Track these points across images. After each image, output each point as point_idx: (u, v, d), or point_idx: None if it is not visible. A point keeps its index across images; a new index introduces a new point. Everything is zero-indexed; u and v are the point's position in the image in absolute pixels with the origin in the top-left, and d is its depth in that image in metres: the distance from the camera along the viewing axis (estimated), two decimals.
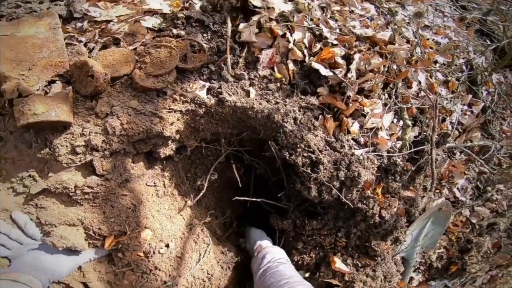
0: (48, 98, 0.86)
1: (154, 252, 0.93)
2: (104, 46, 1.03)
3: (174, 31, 1.06)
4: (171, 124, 0.98)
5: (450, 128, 1.50)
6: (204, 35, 1.08)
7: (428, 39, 1.69)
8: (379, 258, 1.18)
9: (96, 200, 0.87)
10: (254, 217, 1.42)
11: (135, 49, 1.02)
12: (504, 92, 1.88)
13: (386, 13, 1.58)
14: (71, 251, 0.81)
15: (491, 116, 1.71)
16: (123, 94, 0.95)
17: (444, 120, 1.49)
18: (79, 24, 1.05)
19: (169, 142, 1.03)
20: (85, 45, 1.02)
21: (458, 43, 1.81)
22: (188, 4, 1.15)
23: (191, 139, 1.12)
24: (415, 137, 1.28)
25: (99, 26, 1.04)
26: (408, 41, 1.53)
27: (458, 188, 1.56)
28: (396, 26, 1.54)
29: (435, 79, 1.51)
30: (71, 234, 0.82)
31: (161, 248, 0.95)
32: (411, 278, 1.45)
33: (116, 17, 1.06)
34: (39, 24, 0.99)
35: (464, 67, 1.73)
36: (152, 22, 1.07)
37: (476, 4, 2.26)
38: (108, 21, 1.05)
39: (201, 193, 1.12)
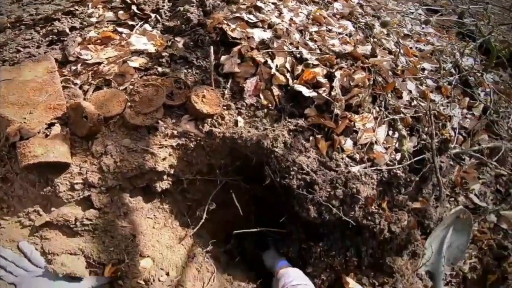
0: (47, 140, 0.99)
1: (154, 280, 0.99)
2: (97, 88, 1.15)
3: (160, 69, 1.18)
4: (164, 159, 1.07)
5: (452, 133, 1.55)
6: (189, 70, 1.20)
7: (411, 48, 1.83)
8: (397, 274, 1.15)
9: (96, 231, 1.00)
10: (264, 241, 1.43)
11: (125, 89, 1.14)
12: (503, 91, 1.96)
13: (364, 27, 1.74)
14: (72, 278, 0.91)
15: (494, 116, 1.77)
16: (116, 133, 1.07)
17: (444, 126, 1.54)
18: (73, 67, 1.19)
19: (164, 176, 1.14)
20: (80, 87, 1.16)
21: (441, 48, 1.94)
22: (171, 42, 1.30)
23: (186, 172, 1.19)
24: (414, 147, 1.33)
25: (91, 69, 1.18)
26: (390, 52, 1.65)
27: (475, 194, 1.55)
28: (375, 39, 1.68)
29: (426, 86, 1.61)
30: (71, 262, 0.94)
31: (162, 276, 1.02)
32: None
33: (106, 59, 1.20)
34: (38, 68, 1.14)
35: (453, 71, 1.84)
36: (139, 62, 1.21)
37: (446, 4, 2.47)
38: (99, 63, 1.19)
39: (200, 223, 1.18)
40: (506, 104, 1.93)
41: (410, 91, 1.49)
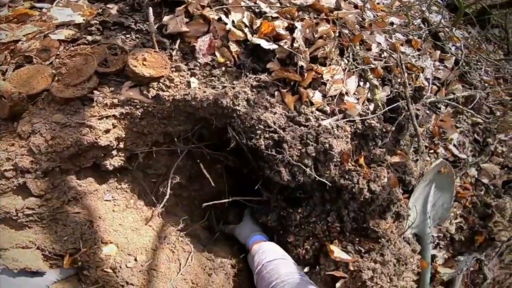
0: None
1: (121, 267, 0.92)
2: (19, 66, 1.00)
3: (90, 38, 1.05)
4: (106, 131, 0.94)
5: (426, 83, 1.51)
6: (127, 36, 1.07)
7: (378, 4, 1.77)
8: (383, 239, 1.08)
9: (44, 221, 0.91)
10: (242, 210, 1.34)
11: (51, 63, 1.00)
12: (472, 45, 1.97)
13: None
14: (33, 273, 0.86)
15: (466, 68, 1.76)
16: (45, 110, 0.93)
17: (417, 77, 1.50)
18: None
19: (113, 152, 1.01)
20: None
21: (409, 4, 1.91)
22: (102, 10, 1.16)
23: (140, 145, 1.06)
24: (387, 96, 1.27)
25: (6, 47, 1.02)
26: (356, 7, 1.59)
27: (454, 145, 1.52)
28: None
29: (396, 39, 1.56)
30: (24, 256, 0.87)
31: (129, 262, 0.95)
32: (434, 256, 1.34)
33: (24, 35, 1.05)
34: None
35: (422, 26, 1.81)
36: (64, 34, 1.07)
37: None
38: (16, 41, 1.04)
39: (164, 200, 1.08)
40: (477, 57, 1.94)
41: (379, 44, 1.43)
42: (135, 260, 0.97)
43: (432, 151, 1.41)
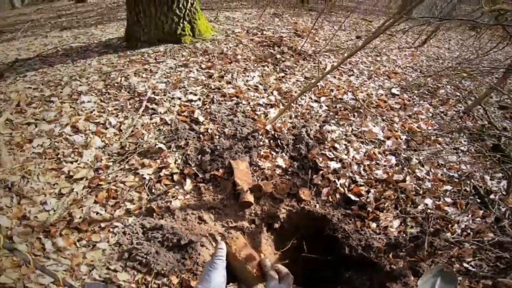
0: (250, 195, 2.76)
1: None
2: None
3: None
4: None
5: None
6: (297, 182, 2.86)
7: (441, 175, 2.90)
8: None
9: None
10: None
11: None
12: None
13: (403, 161, 3.01)
14: None
15: None
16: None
17: None
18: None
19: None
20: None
21: (469, 171, 2.88)
22: (292, 168, 3.03)
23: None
24: None
25: None
26: (418, 179, 2.84)
27: None
28: (409, 170, 2.91)
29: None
30: None
31: None
32: None
33: None
34: (243, 164, 2.98)
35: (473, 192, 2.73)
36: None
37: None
38: None
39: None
40: None
41: None
42: None
43: None
